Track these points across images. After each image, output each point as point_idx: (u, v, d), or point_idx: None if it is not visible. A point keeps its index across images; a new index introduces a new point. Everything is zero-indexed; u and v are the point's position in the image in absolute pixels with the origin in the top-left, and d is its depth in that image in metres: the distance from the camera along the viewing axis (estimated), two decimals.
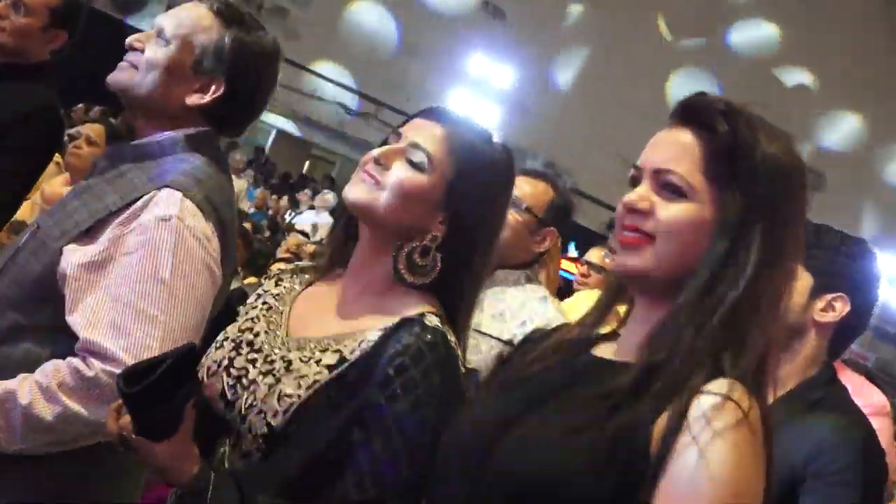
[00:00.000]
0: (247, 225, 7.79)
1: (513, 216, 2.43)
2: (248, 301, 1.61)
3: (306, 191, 12.69)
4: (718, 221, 1.18)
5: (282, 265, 6.21)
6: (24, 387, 1.62)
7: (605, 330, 1.31)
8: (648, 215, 1.21)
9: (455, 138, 1.47)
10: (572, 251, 8.29)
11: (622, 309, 1.31)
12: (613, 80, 12.60)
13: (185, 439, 1.34)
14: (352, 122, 14.85)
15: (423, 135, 1.47)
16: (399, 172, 1.45)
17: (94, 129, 4.39)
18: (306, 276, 1.62)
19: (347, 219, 1.55)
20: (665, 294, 1.19)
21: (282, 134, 16.66)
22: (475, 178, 1.46)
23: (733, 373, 1.11)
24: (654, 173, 1.22)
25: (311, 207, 11.87)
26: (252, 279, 5.63)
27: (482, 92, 13.78)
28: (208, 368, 1.48)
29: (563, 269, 7.10)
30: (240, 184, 10.63)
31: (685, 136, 1.22)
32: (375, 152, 1.47)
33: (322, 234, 10.88)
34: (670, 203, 1.20)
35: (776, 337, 1.16)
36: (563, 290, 3.10)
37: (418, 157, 1.45)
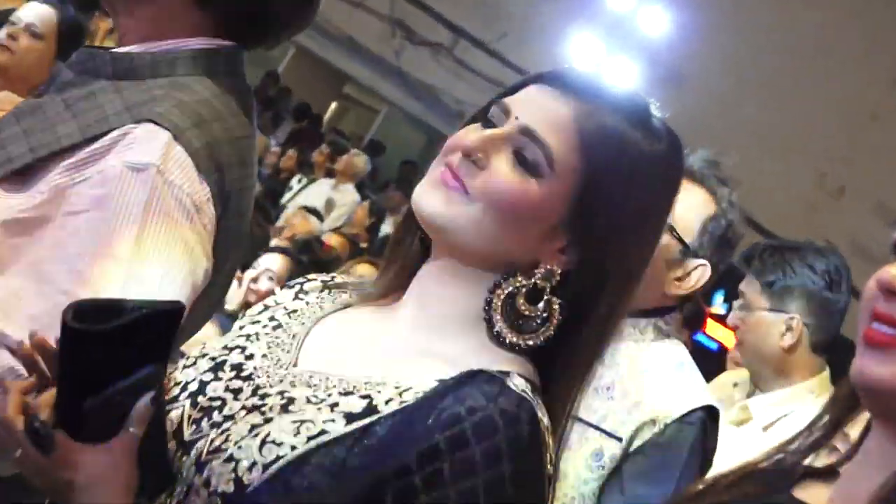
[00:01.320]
0: None
1: None
2: (249, 311, 1.66)
3: (323, 147, 12.76)
4: None
5: (281, 260, 6.23)
6: None
7: (818, 462, 1.32)
8: None
9: (592, 122, 1.47)
10: (718, 306, 8.14)
11: None
12: (827, 58, 12.50)
13: (126, 451, 1.36)
14: (412, 54, 14.92)
15: (542, 115, 1.48)
16: (501, 176, 1.46)
17: (40, 16, 4.38)
18: (345, 295, 1.65)
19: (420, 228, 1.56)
20: None
21: (302, 54, 16.79)
22: (619, 186, 1.48)
23: None
24: None
25: (330, 174, 11.93)
26: None
27: (619, 40, 13.77)
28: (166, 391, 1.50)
29: (704, 333, 7.06)
30: None
31: None
32: (467, 139, 1.48)
33: (339, 215, 10.96)
34: None
35: None
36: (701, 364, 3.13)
37: (532, 151, 1.47)
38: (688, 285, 2.56)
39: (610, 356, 2.42)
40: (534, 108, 1.49)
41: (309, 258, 6.40)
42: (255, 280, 5.56)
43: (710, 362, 4.35)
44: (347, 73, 16.86)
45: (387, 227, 10.95)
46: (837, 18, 12.33)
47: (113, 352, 1.31)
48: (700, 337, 6.52)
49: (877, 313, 1.21)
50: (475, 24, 14.28)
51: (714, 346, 6.51)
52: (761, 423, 3.39)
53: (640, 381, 2.47)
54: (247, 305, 5.47)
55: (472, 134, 1.49)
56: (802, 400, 3.35)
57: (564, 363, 1.50)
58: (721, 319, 7.34)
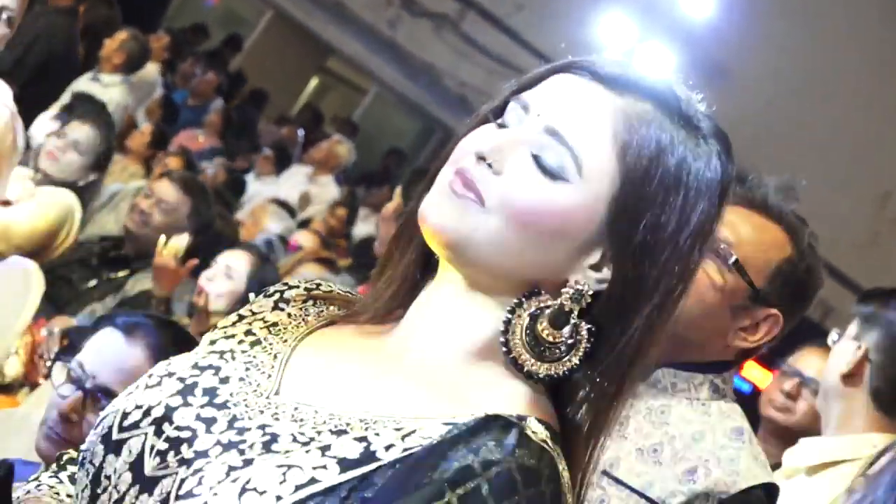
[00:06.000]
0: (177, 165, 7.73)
1: (707, 274, 2.43)
2: (221, 323, 1.66)
3: (300, 131, 12.78)
4: None
5: (243, 257, 6.16)
6: None
7: None
8: None
9: (627, 119, 1.50)
10: None
11: None
12: None
13: None
14: (411, 26, 14.94)
15: (568, 112, 1.50)
16: (522, 182, 1.48)
17: None
18: (333, 307, 1.66)
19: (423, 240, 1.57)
20: None
21: (281, 19, 16.80)
22: (660, 192, 1.50)
23: None
24: None
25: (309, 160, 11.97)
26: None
27: (655, 23, 13.78)
28: (124, 414, 1.50)
29: (740, 376, 7.09)
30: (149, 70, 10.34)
31: None
32: (479, 142, 1.50)
33: (316, 212, 10.92)
34: None
35: None
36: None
37: (557, 154, 1.48)
38: (755, 337, 2.57)
39: (659, 414, 2.51)
40: (558, 103, 1.51)
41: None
42: (210, 280, 5.35)
43: (742, 407, 4.32)
44: (332, 45, 16.86)
45: (365, 227, 10.88)
46: None
47: None
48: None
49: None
50: None
51: (747, 387, 6.51)
52: (806, 464, 3.41)
53: (694, 447, 2.48)
54: (191, 307, 5.37)
55: (486, 135, 1.51)
56: (860, 452, 3.36)
57: (586, 400, 1.52)
58: (758, 358, 7.35)
